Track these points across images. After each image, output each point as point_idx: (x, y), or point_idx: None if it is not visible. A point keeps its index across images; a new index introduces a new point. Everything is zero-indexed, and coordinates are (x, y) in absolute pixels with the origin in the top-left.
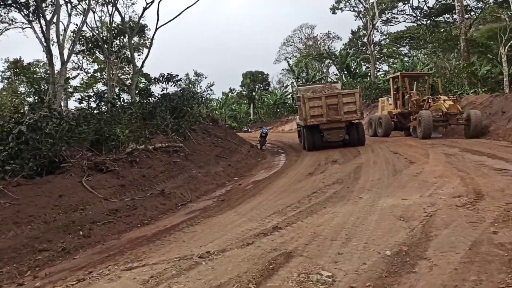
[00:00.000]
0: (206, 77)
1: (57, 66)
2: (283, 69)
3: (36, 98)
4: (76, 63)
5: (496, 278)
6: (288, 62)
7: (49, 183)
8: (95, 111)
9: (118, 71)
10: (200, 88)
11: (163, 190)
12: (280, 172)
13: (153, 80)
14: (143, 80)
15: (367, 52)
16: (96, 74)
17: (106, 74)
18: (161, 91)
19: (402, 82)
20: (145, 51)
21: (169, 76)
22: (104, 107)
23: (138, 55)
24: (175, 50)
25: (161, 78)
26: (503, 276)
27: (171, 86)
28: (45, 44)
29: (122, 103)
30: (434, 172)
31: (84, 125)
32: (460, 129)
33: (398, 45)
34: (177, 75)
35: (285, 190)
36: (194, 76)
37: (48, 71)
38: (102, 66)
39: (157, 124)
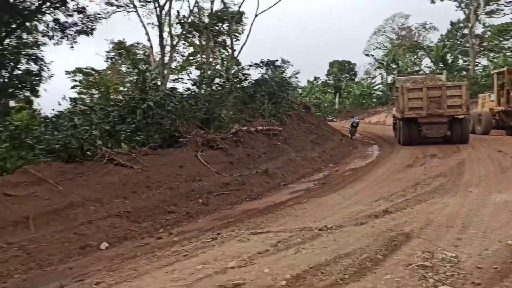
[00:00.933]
0: (292, 65)
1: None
2: (371, 60)
3: (137, 78)
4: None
5: None
6: (372, 55)
7: (170, 155)
8: (205, 92)
9: (211, 56)
10: (286, 75)
11: (267, 169)
12: (376, 162)
13: (253, 65)
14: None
15: (466, 44)
16: (190, 58)
17: (200, 58)
18: (261, 76)
19: (509, 78)
20: (239, 37)
21: (269, 62)
22: (212, 88)
23: (235, 41)
24: (262, 36)
25: (261, 64)
26: None
27: (272, 71)
28: (156, 26)
29: (231, 86)
30: None
31: (195, 105)
32: None
33: (501, 39)
34: (277, 60)
35: (385, 179)
36: (281, 63)
37: (147, 53)
38: (197, 50)
39: (256, 108)
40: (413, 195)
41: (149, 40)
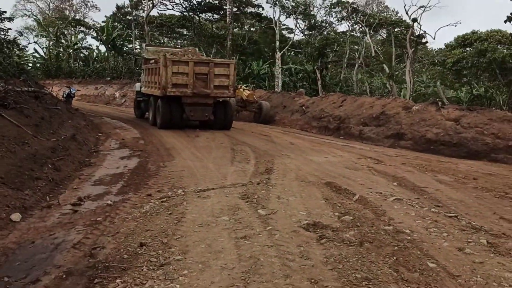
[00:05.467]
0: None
1: None
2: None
3: None
4: None
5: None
6: (35, 17)
7: None
8: None
9: None
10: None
11: (74, 135)
12: (150, 134)
13: None
14: None
15: (137, 30)
16: None
17: None
18: None
19: None
20: None
21: None
22: None
23: None
24: None
25: None
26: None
27: None
28: None
29: None
30: (300, 144)
31: None
32: (245, 116)
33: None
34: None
35: (198, 147)
36: None
37: None
38: None
39: None
40: (256, 158)
41: None
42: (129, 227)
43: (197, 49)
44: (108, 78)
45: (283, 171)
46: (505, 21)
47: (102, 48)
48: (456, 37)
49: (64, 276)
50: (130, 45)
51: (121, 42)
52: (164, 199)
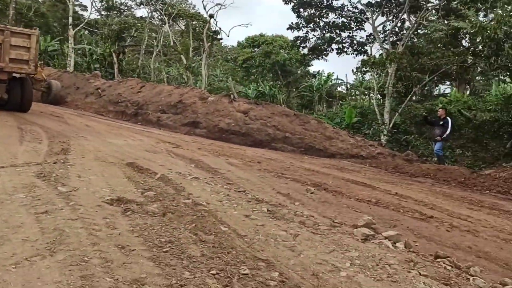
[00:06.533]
0: None
1: None
2: None
3: None
4: None
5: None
6: None
7: None
8: None
9: None
10: None
11: None
12: None
13: None
14: None
15: None
16: None
17: None
18: None
19: None
20: None
21: None
22: None
23: None
24: None
25: None
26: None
27: None
28: None
29: None
30: (97, 126)
31: None
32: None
33: None
34: None
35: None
36: None
37: None
38: None
39: None
40: (48, 138)
41: None
42: None
43: None
44: None
45: (81, 152)
46: (287, 29)
47: None
48: (247, 38)
49: None
50: None
51: None
52: None
